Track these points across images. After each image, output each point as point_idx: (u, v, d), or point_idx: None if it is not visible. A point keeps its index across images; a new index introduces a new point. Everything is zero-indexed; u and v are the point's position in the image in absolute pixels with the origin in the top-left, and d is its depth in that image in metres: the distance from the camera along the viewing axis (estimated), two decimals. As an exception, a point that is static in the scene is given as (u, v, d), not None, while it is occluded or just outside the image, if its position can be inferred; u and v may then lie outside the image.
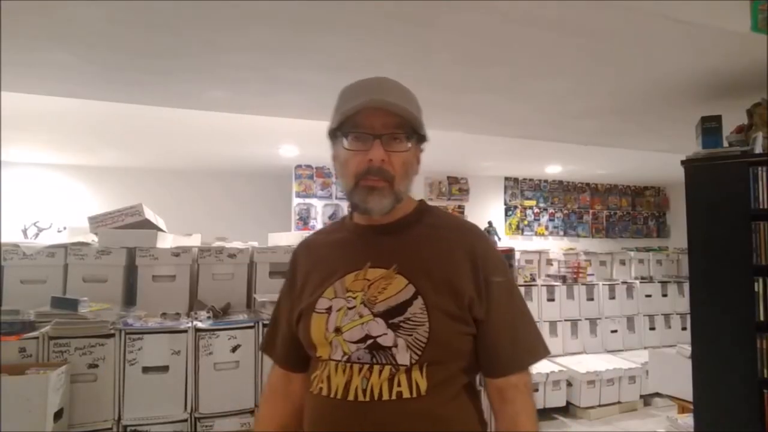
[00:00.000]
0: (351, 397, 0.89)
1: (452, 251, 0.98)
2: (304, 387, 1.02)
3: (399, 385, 0.89)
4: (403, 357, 0.89)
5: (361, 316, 0.93)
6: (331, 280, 0.98)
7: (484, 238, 1.05)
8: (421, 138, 1.00)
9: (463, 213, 5.86)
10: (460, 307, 0.93)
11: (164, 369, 1.99)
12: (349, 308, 0.94)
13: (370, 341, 0.91)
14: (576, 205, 6.44)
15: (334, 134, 0.98)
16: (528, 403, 0.98)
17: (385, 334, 0.90)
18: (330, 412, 0.92)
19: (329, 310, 0.95)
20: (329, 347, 0.94)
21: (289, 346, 1.07)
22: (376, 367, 0.90)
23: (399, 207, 0.99)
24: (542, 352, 1.02)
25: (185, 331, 2.03)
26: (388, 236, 1.00)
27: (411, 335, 0.90)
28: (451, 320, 0.93)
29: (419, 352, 0.89)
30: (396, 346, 0.90)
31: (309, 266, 1.06)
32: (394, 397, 0.88)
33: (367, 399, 0.88)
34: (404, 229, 1.01)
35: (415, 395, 0.89)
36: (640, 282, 5.34)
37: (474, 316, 0.95)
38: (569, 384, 4.41)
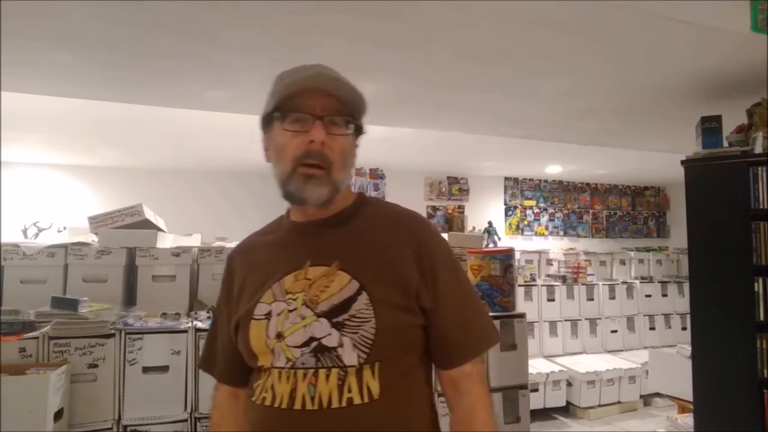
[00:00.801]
0: (297, 406, 0.83)
1: (395, 241, 0.93)
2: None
3: (349, 390, 0.84)
4: (350, 357, 0.84)
5: (303, 318, 0.87)
6: (269, 283, 0.92)
7: (427, 225, 1.02)
8: (358, 129, 0.97)
9: (463, 213, 5.86)
10: (407, 297, 0.89)
11: (164, 369, 1.98)
12: (290, 311, 0.88)
13: (314, 344, 0.85)
14: (576, 205, 6.44)
15: (269, 119, 0.94)
16: (483, 392, 0.95)
17: (330, 334, 0.85)
18: (275, 423, 0.86)
19: (269, 315, 0.89)
20: (271, 355, 0.88)
21: (231, 360, 1.00)
22: (322, 372, 0.84)
23: (337, 200, 0.94)
24: (494, 338, 0.99)
25: (185, 331, 2.03)
26: (327, 231, 0.95)
27: (357, 333, 0.84)
28: (399, 312, 0.88)
29: (367, 350, 0.84)
30: (341, 345, 0.84)
31: (245, 272, 0.99)
32: (344, 404, 0.83)
33: (315, 407, 0.83)
34: (344, 222, 0.96)
35: (366, 400, 0.84)
36: (640, 282, 5.34)
37: (421, 305, 0.91)
38: (569, 384, 4.41)
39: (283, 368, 0.86)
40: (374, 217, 0.98)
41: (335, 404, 0.83)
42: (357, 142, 0.99)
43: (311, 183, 0.89)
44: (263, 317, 0.90)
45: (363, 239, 0.94)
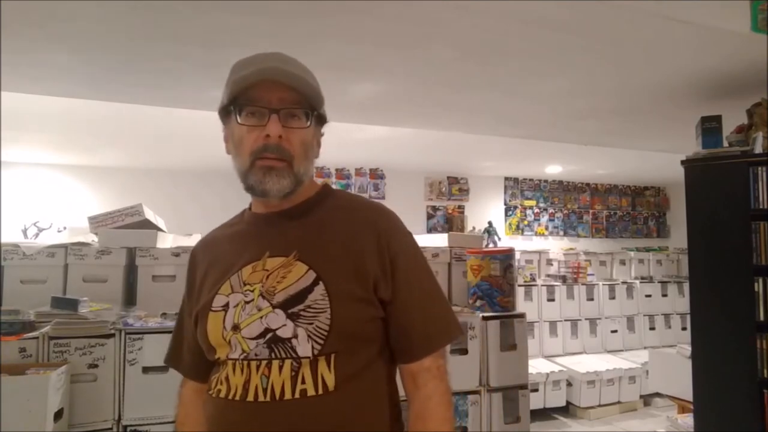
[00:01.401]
0: (250, 398, 0.82)
1: (356, 232, 0.91)
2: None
3: (303, 382, 0.82)
4: (305, 348, 0.82)
5: (259, 310, 0.85)
6: (228, 275, 0.91)
7: (389, 215, 0.98)
8: (320, 119, 0.94)
9: (463, 213, 5.86)
10: (365, 289, 0.87)
11: (164, 369, 1.98)
12: (247, 302, 0.87)
13: (269, 335, 0.84)
14: (576, 205, 6.44)
15: (226, 111, 0.91)
16: (440, 387, 0.91)
17: (285, 325, 0.83)
18: (228, 415, 0.85)
19: (226, 306, 0.88)
20: (228, 347, 0.86)
21: (196, 355, 0.98)
22: (275, 363, 0.82)
23: (300, 191, 0.92)
24: (455, 332, 0.96)
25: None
26: (288, 222, 0.93)
27: (312, 324, 0.83)
28: (356, 303, 0.86)
29: (321, 342, 0.82)
30: (296, 336, 0.83)
31: (207, 265, 0.97)
32: (297, 395, 0.81)
33: (268, 399, 0.81)
34: (305, 213, 0.94)
35: (321, 392, 0.82)
36: (640, 282, 5.34)
37: (380, 297, 0.89)
38: (569, 384, 4.41)
39: (237, 360, 0.85)
40: (336, 208, 0.96)
41: (288, 396, 0.81)
42: (321, 131, 0.97)
43: (272, 175, 0.87)
44: (221, 309, 0.88)
45: (323, 229, 0.92)
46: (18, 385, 1.65)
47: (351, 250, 0.89)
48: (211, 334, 0.89)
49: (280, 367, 0.82)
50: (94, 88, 2.65)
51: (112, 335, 1.94)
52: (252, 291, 0.87)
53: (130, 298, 2.32)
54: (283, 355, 0.83)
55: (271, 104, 0.87)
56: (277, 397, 0.81)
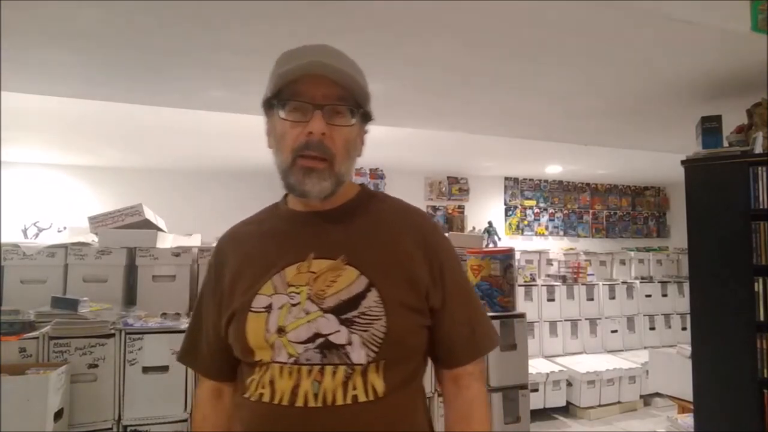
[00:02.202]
0: (299, 403, 0.80)
1: (403, 238, 0.90)
2: (232, 398, 0.94)
3: (354, 388, 0.81)
4: (358, 355, 0.81)
5: (307, 313, 0.83)
6: (269, 275, 0.87)
7: (435, 223, 0.99)
8: (366, 116, 0.91)
9: (463, 213, 5.86)
10: (418, 297, 0.87)
11: (164, 369, 1.98)
12: (293, 305, 0.84)
13: (320, 340, 0.81)
14: (576, 205, 6.44)
15: (270, 104, 0.88)
16: (483, 390, 0.94)
17: (338, 331, 0.81)
18: (274, 420, 0.82)
19: (269, 308, 0.85)
20: (270, 350, 0.83)
21: (218, 353, 0.95)
22: (329, 369, 0.81)
23: (341, 192, 0.90)
24: (497, 340, 0.98)
25: (185, 331, 2.03)
26: (330, 224, 0.90)
27: (367, 331, 0.81)
28: (409, 312, 0.86)
29: (376, 349, 0.81)
30: (350, 343, 0.81)
31: (238, 261, 0.93)
32: (349, 401, 0.80)
33: (319, 404, 0.79)
34: (348, 215, 0.92)
35: (372, 398, 0.81)
36: (640, 282, 5.34)
37: (430, 305, 0.89)
38: (569, 384, 4.41)
39: (285, 364, 0.82)
40: (380, 212, 0.94)
41: (339, 401, 0.80)
42: (366, 129, 0.94)
43: (312, 177, 0.85)
44: (263, 310, 0.85)
45: (369, 234, 0.90)
46: (18, 385, 1.65)
47: (400, 256, 0.88)
48: (251, 335, 0.85)
49: (334, 373, 0.81)
50: (94, 88, 2.65)
51: (112, 335, 1.94)
52: (298, 293, 0.84)
53: (130, 298, 2.32)
54: (337, 361, 0.81)
55: (315, 100, 0.84)
56: (329, 402, 0.80)
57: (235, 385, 0.95)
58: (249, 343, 0.85)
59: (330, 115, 0.85)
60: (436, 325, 0.91)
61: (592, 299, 5.00)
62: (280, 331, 0.83)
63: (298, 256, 0.87)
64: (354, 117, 0.88)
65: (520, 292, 4.57)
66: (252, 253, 0.93)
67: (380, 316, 0.82)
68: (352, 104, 0.87)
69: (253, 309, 0.86)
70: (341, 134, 0.86)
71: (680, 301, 5.37)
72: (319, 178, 0.85)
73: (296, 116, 0.85)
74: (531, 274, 4.97)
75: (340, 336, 0.82)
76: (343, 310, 0.83)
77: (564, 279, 4.99)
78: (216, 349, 0.95)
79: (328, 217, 0.91)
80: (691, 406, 2.65)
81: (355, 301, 0.83)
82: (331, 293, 0.83)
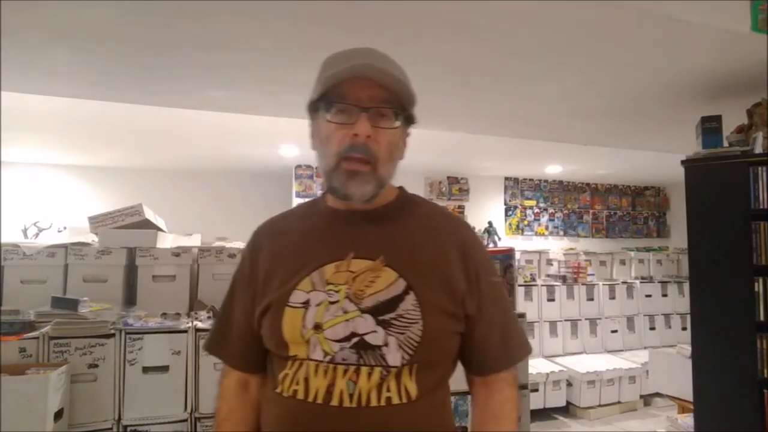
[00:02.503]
0: (335, 402, 0.80)
1: (442, 243, 0.91)
2: (261, 391, 0.94)
3: (388, 390, 0.82)
4: (394, 357, 0.82)
5: (345, 312, 0.84)
6: (307, 271, 0.87)
7: (472, 231, 1.00)
8: (409, 119, 0.93)
9: (463, 213, 5.85)
10: (455, 303, 0.88)
11: (164, 369, 1.98)
12: (331, 303, 0.84)
13: (356, 339, 0.82)
14: (576, 205, 6.44)
15: (315, 107, 0.90)
16: (514, 393, 0.95)
17: (375, 331, 0.82)
18: (307, 418, 0.82)
19: (306, 304, 0.85)
20: (305, 346, 0.84)
21: (248, 343, 0.95)
22: (364, 369, 0.81)
23: (381, 193, 0.90)
24: (529, 348, 1.00)
25: (185, 331, 2.03)
26: (370, 224, 0.91)
27: (404, 333, 0.82)
28: (446, 318, 0.87)
29: (411, 352, 0.82)
30: (387, 345, 0.82)
31: (275, 254, 0.93)
32: (383, 403, 0.81)
33: (354, 405, 0.80)
34: (388, 217, 0.93)
35: (405, 401, 0.82)
36: (640, 282, 5.35)
37: (465, 312, 0.89)
38: (569, 384, 4.41)
39: (321, 362, 0.83)
40: (419, 216, 0.96)
41: (374, 403, 0.81)
42: (408, 132, 0.96)
43: (355, 180, 0.86)
44: (300, 305, 0.86)
45: (408, 237, 0.91)
46: (18, 385, 1.65)
47: (438, 261, 0.89)
48: (287, 329, 0.85)
49: (369, 374, 0.82)
50: (95, 88, 2.65)
51: (112, 335, 1.94)
52: (337, 292, 0.85)
53: (130, 298, 2.32)
54: (373, 363, 0.82)
55: (361, 102, 0.85)
56: (363, 403, 0.80)
57: (263, 377, 0.95)
58: (284, 337, 0.86)
59: (375, 118, 0.86)
60: (470, 331, 0.91)
61: (592, 299, 5.00)
62: (317, 327, 0.84)
63: (338, 254, 0.88)
64: (398, 120, 0.89)
65: (520, 292, 4.57)
66: (290, 248, 0.93)
67: (417, 319, 0.83)
68: (397, 107, 0.88)
69: (290, 304, 0.86)
70: (385, 137, 0.87)
71: (680, 301, 5.37)
72: (363, 181, 0.86)
73: (342, 118, 0.86)
74: (531, 274, 4.98)
75: (377, 337, 0.82)
76: (380, 311, 0.83)
77: (564, 279, 4.99)
78: (246, 339, 0.95)
79: (368, 218, 0.92)
80: (691, 406, 2.65)
81: (393, 303, 0.84)
82: (370, 294, 0.84)
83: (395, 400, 0.81)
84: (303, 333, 0.84)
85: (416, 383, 0.83)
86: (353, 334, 0.82)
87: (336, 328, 0.83)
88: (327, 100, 0.87)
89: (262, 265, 0.93)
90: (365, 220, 0.91)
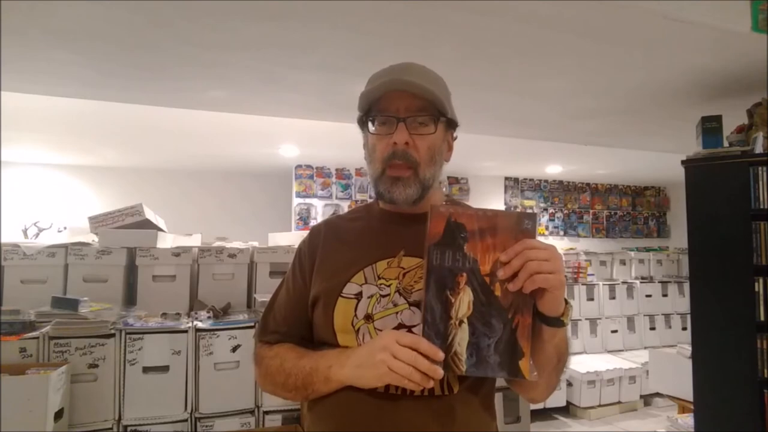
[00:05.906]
0: (392, 390, 0.86)
1: None
2: None
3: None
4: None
5: (395, 305, 0.90)
6: (360, 266, 0.94)
7: None
8: (451, 123, 1.00)
9: (463, 213, 5.86)
10: None
11: (164, 369, 1.99)
12: (383, 296, 0.91)
13: (404, 330, 0.87)
14: (576, 205, 6.44)
15: (362, 121, 0.99)
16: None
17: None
18: (356, 404, 0.88)
19: (359, 295, 0.92)
20: (355, 335, 0.90)
21: (295, 329, 1.00)
22: None
23: (428, 196, 0.97)
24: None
25: (185, 331, 2.03)
26: (419, 225, 0.94)
27: None
28: None
29: None
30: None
31: (331, 247, 1.01)
32: (426, 392, 0.86)
33: (399, 392, 0.85)
34: None
35: (447, 393, 0.87)
36: (641, 282, 5.34)
37: None
38: (569, 384, 4.41)
39: None
40: None
41: (417, 392, 0.85)
42: (453, 135, 1.03)
43: (398, 185, 0.93)
44: (353, 297, 0.92)
45: None
46: (18, 385, 1.65)
47: None
48: (338, 318, 0.91)
49: None
50: (94, 88, 2.65)
51: (113, 335, 1.94)
52: (388, 286, 0.92)
53: (130, 298, 2.32)
54: None
55: (399, 113, 0.93)
56: (408, 392, 0.85)
57: None
58: (335, 325, 0.92)
59: (413, 126, 0.93)
60: None
61: (592, 299, 5.00)
62: (368, 318, 0.90)
63: (389, 252, 0.95)
64: (436, 125, 0.95)
65: (520, 292, 4.55)
66: (345, 243, 1.01)
67: None
68: (434, 113, 0.94)
69: (343, 294, 0.92)
70: (424, 142, 0.94)
71: (680, 301, 5.37)
72: (405, 185, 0.93)
73: (383, 129, 0.95)
74: (531, 274, 4.97)
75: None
76: None
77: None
78: (296, 322, 1.00)
79: (418, 220, 0.96)
80: (691, 406, 2.65)
81: None
82: (418, 288, 0.89)
83: (437, 392, 0.87)
84: (354, 322, 0.90)
85: (458, 377, 0.88)
86: (401, 326, 0.88)
87: (386, 320, 0.89)
88: (369, 115, 0.96)
89: (319, 255, 1.00)
90: (414, 222, 0.97)
